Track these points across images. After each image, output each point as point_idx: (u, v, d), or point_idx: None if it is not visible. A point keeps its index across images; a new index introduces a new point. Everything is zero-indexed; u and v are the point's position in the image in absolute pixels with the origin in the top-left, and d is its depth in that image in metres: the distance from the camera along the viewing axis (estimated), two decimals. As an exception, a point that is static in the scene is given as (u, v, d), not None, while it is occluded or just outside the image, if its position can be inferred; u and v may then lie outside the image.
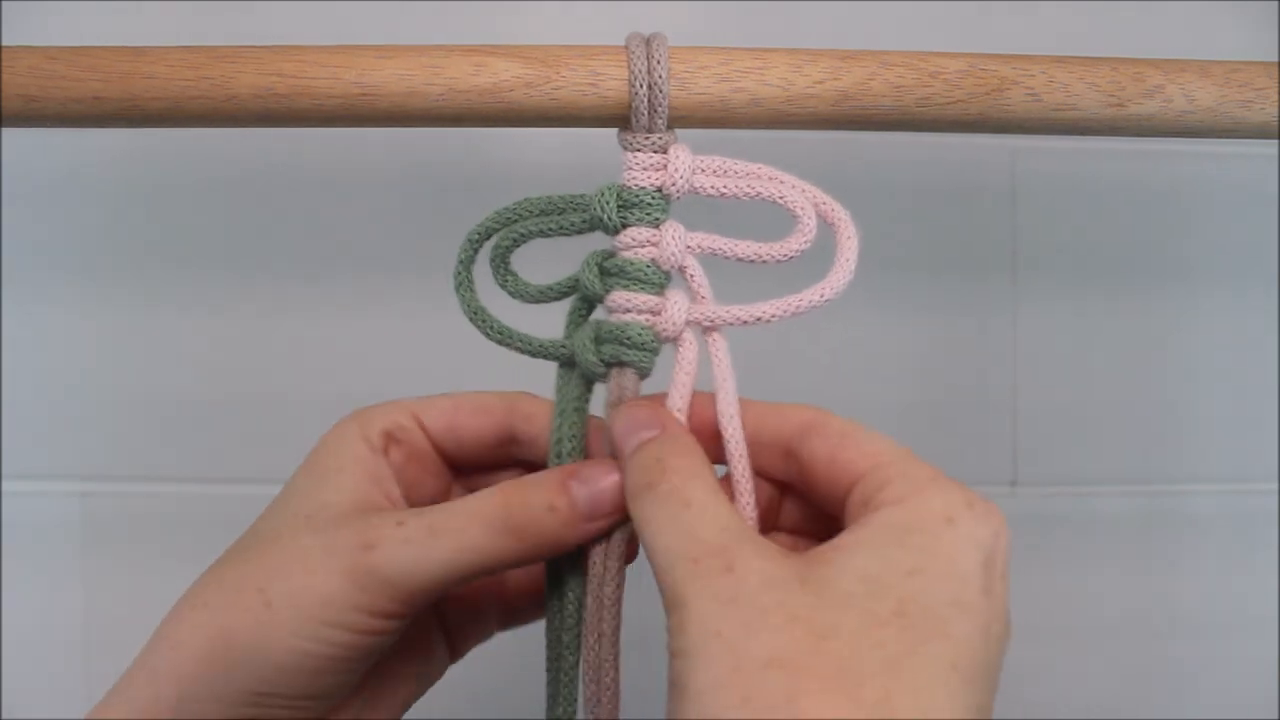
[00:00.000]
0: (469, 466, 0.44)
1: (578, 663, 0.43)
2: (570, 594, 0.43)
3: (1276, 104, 0.44)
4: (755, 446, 0.39)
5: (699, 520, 0.34)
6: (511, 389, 0.44)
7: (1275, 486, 0.67)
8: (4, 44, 0.42)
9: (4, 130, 0.45)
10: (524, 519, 0.38)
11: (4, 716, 0.64)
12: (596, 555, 0.41)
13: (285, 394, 0.64)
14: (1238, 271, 0.66)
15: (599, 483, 0.39)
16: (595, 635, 0.41)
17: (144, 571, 0.64)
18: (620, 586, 0.41)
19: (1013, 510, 0.65)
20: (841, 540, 0.34)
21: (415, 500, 0.42)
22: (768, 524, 0.41)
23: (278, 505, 0.40)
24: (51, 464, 0.64)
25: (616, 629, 0.41)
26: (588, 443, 0.42)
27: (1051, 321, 0.66)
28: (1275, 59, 0.46)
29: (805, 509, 0.41)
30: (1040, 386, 0.66)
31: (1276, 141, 0.46)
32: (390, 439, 0.41)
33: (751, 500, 0.40)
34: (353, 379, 0.64)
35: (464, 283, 0.44)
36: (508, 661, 0.64)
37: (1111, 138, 0.45)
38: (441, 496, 0.43)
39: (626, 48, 0.42)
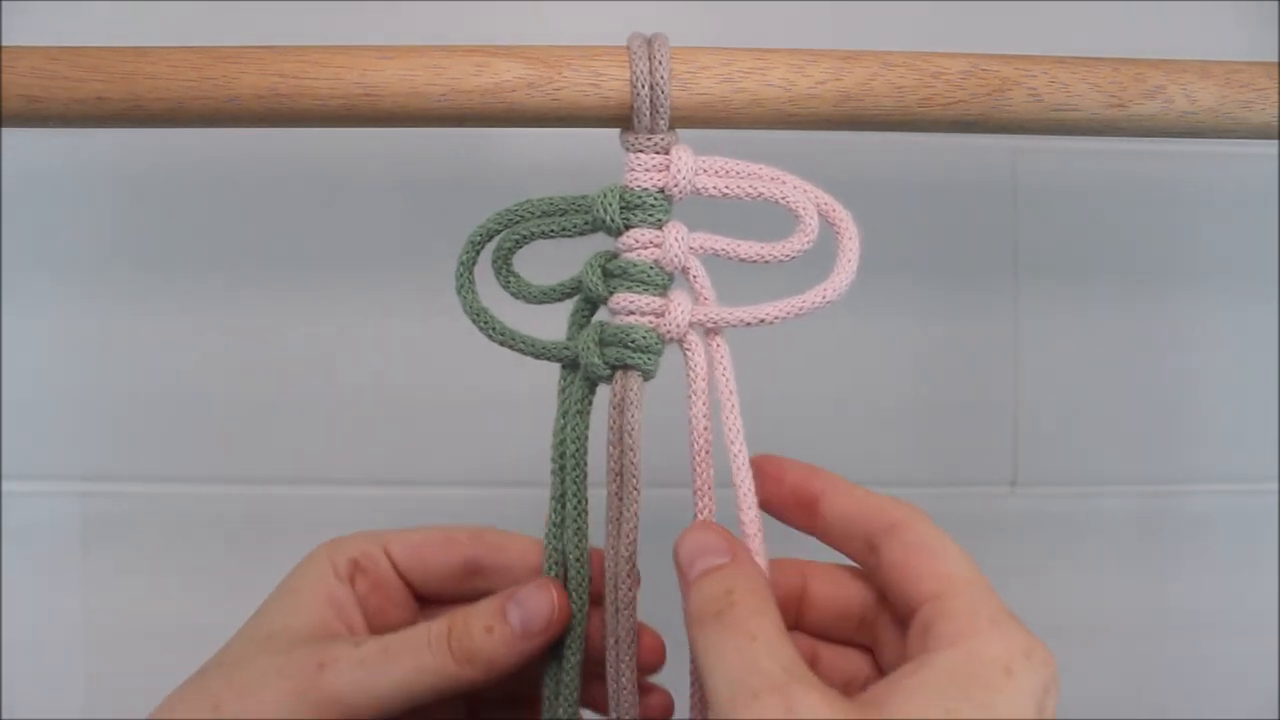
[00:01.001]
0: (436, 598, 0.45)
1: (578, 664, 0.43)
2: (575, 594, 0.43)
3: (1277, 104, 0.44)
4: (845, 532, 0.40)
5: (763, 655, 0.34)
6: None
7: (1275, 486, 0.67)
8: (5, 44, 0.42)
9: (4, 130, 0.45)
10: (465, 641, 0.40)
11: (4, 716, 0.64)
12: (610, 562, 0.42)
13: (285, 394, 0.64)
14: (1238, 271, 0.66)
15: (532, 604, 0.41)
16: (614, 639, 0.41)
17: (144, 571, 0.64)
18: (634, 589, 0.41)
19: (1013, 510, 0.66)
20: (899, 682, 0.34)
21: (378, 628, 0.43)
22: (787, 621, 0.40)
23: (246, 627, 0.43)
24: (51, 464, 0.64)
25: (633, 631, 0.42)
26: (592, 561, 0.43)
27: (1052, 321, 0.66)
28: (1276, 59, 0.46)
29: (830, 613, 0.41)
30: (1040, 386, 0.66)
31: (1276, 141, 0.46)
32: (356, 567, 0.43)
33: (756, 515, 0.40)
34: (353, 379, 0.64)
35: (465, 284, 0.44)
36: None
37: (1112, 138, 0.45)
38: (406, 625, 0.44)
39: (628, 48, 0.42)
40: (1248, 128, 0.45)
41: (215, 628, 0.63)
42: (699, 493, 0.41)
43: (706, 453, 0.41)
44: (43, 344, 0.63)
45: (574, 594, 0.43)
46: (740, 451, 0.41)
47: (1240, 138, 0.45)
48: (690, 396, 0.41)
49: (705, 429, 0.41)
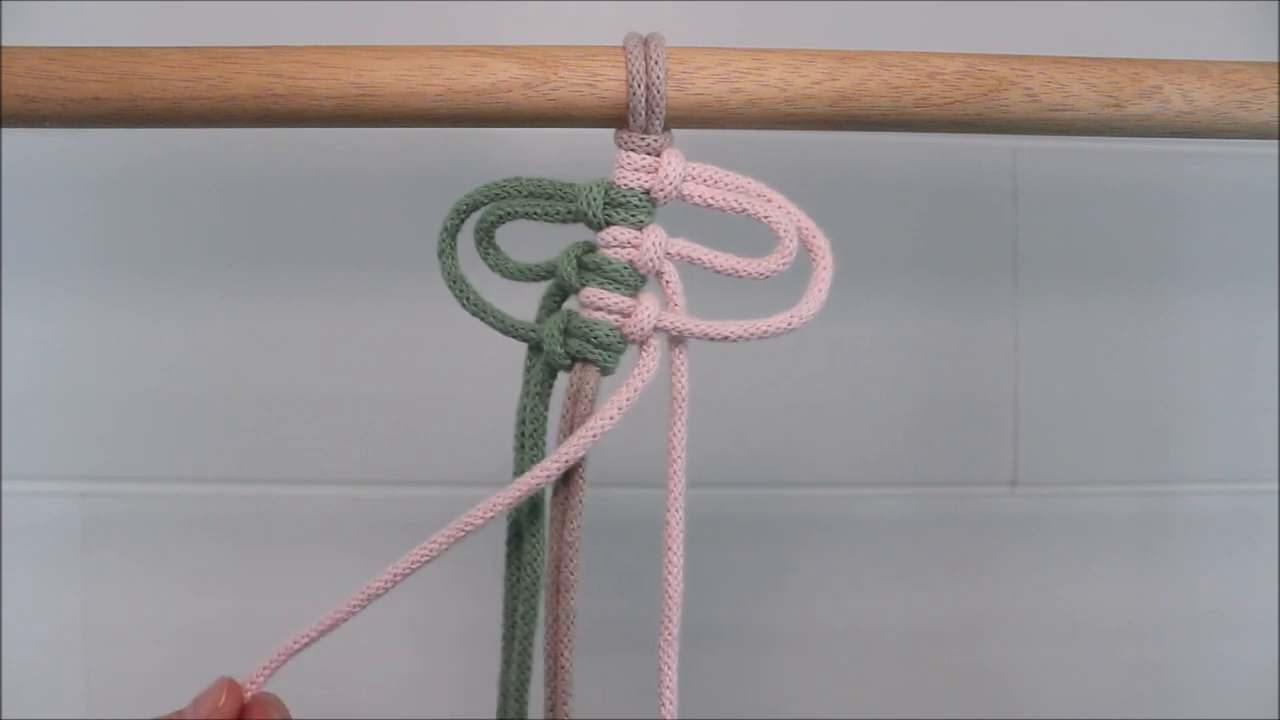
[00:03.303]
0: None
1: (531, 635, 0.44)
2: (526, 568, 0.44)
3: (1275, 104, 0.44)
4: None
5: None
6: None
7: (1275, 486, 0.66)
8: (3, 44, 0.42)
9: (4, 130, 0.45)
10: None
11: (4, 716, 0.64)
12: (553, 545, 0.42)
13: (285, 394, 0.64)
14: (1238, 271, 0.66)
15: (203, 694, 0.43)
16: (552, 619, 0.42)
17: (144, 571, 0.64)
18: (575, 572, 0.42)
19: (1013, 510, 0.66)
20: None
21: None
22: None
23: None
24: (51, 464, 0.64)
25: (572, 614, 0.42)
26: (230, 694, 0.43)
27: (1051, 321, 0.66)
28: (1274, 59, 0.45)
29: None
30: (1040, 386, 0.66)
31: (1276, 141, 0.46)
32: None
33: (681, 518, 0.41)
34: (352, 379, 0.64)
35: (446, 250, 0.44)
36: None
37: (1111, 138, 0.45)
38: None
39: (624, 48, 0.42)
40: (1246, 128, 0.44)
41: (215, 628, 0.64)
42: (552, 462, 0.42)
43: (589, 437, 0.41)
44: (43, 344, 0.64)
45: (526, 569, 0.44)
46: (679, 458, 0.42)
47: (1238, 138, 0.45)
48: (621, 389, 0.42)
49: (610, 420, 0.41)
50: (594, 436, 0.41)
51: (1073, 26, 0.63)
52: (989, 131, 0.44)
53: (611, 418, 0.41)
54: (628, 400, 0.41)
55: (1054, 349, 0.66)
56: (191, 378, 0.64)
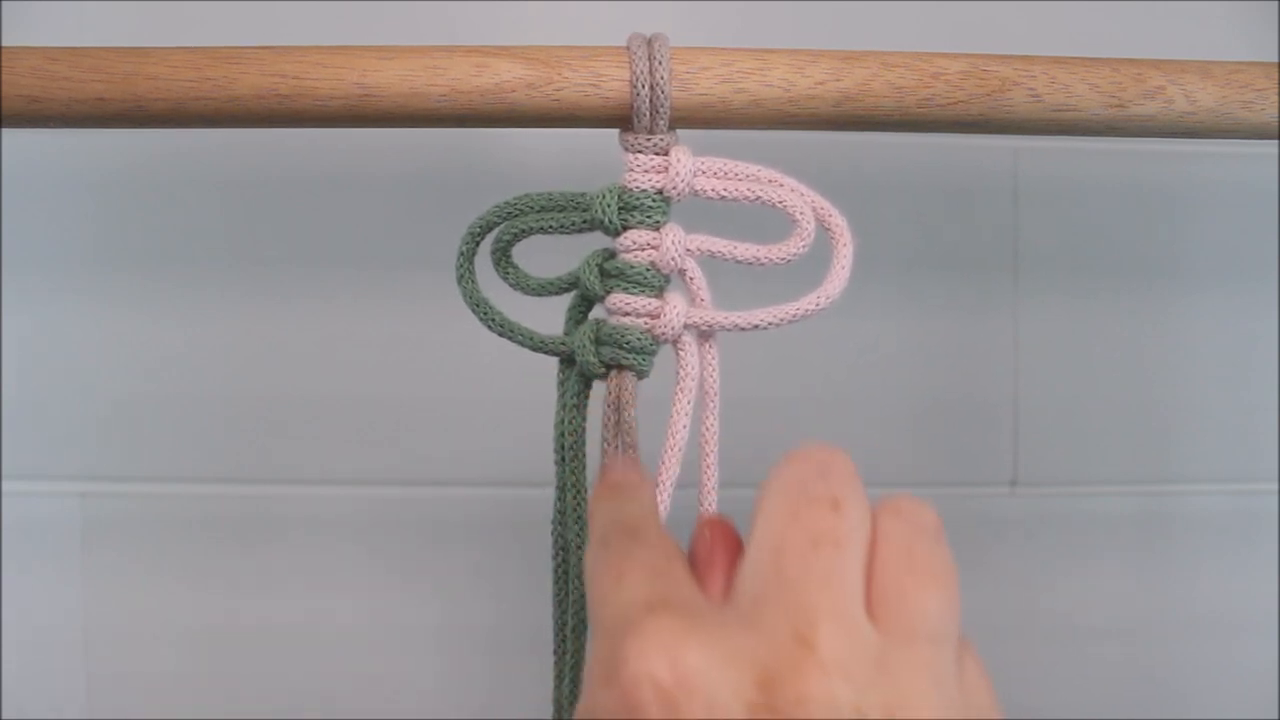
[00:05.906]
0: None
1: (583, 648, 0.43)
2: (574, 581, 0.43)
3: (1277, 104, 0.44)
4: None
5: None
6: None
7: (1275, 486, 0.67)
8: (5, 44, 0.42)
9: (4, 130, 0.45)
10: None
11: (4, 716, 0.64)
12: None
13: (285, 394, 0.64)
14: (1238, 271, 0.66)
15: None
16: None
17: (144, 571, 0.64)
18: None
19: (1013, 510, 0.66)
20: None
21: None
22: None
23: None
24: (51, 464, 0.64)
25: None
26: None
27: (1051, 321, 0.66)
28: (1275, 59, 0.46)
29: None
30: (1040, 386, 0.66)
31: (1276, 142, 0.46)
32: None
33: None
34: (353, 379, 0.64)
35: (466, 274, 0.44)
36: (513, 654, 0.64)
37: (1112, 138, 0.45)
38: None
39: (628, 49, 0.42)
40: (1248, 128, 0.45)
41: (215, 628, 0.64)
42: (661, 488, 0.42)
43: (679, 451, 0.42)
44: (42, 344, 0.63)
45: (574, 582, 0.44)
46: (712, 453, 0.42)
47: (1240, 138, 0.45)
48: (677, 395, 0.42)
49: (684, 429, 0.41)
50: (679, 449, 0.41)
51: (1074, 27, 0.63)
52: (992, 132, 0.44)
53: (685, 426, 0.41)
54: (689, 403, 0.42)
55: (1054, 349, 0.66)
56: (191, 378, 0.64)
